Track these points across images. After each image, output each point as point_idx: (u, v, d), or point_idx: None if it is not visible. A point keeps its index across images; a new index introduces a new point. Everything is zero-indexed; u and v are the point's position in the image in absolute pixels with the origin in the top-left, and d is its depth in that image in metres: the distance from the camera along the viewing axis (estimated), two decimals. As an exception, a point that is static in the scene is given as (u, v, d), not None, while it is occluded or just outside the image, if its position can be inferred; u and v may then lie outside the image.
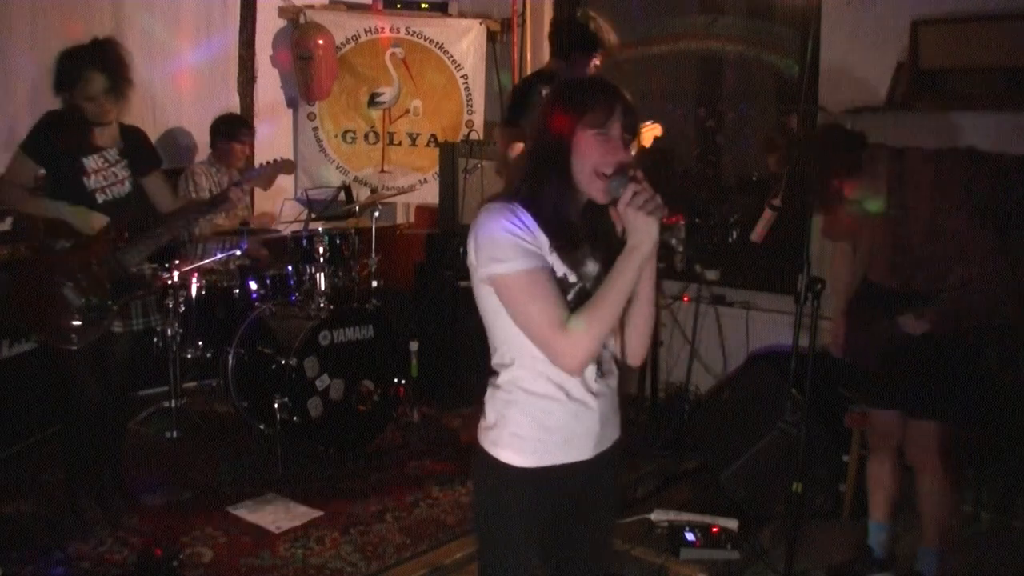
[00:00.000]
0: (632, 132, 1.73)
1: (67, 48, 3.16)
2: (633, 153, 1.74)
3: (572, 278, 1.75)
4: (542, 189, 1.72)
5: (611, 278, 1.68)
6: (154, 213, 3.39)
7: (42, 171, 3.22)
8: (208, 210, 3.47)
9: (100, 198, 3.22)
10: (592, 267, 1.78)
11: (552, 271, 1.71)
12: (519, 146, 3.57)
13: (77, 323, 3.17)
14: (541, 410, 1.78)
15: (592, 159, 1.70)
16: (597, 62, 3.69)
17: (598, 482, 1.89)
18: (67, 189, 3.17)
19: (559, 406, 1.78)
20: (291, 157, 5.69)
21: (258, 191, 5.27)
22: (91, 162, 3.21)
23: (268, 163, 3.54)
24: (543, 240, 1.71)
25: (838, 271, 3.10)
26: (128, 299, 3.30)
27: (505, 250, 1.67)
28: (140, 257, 3.29)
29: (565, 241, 1.72)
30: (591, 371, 1.79)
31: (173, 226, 3.34)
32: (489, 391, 1.87)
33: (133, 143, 3.34)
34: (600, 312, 1.67)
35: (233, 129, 4.82)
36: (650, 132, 3.88)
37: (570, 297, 1.74)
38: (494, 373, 1.85)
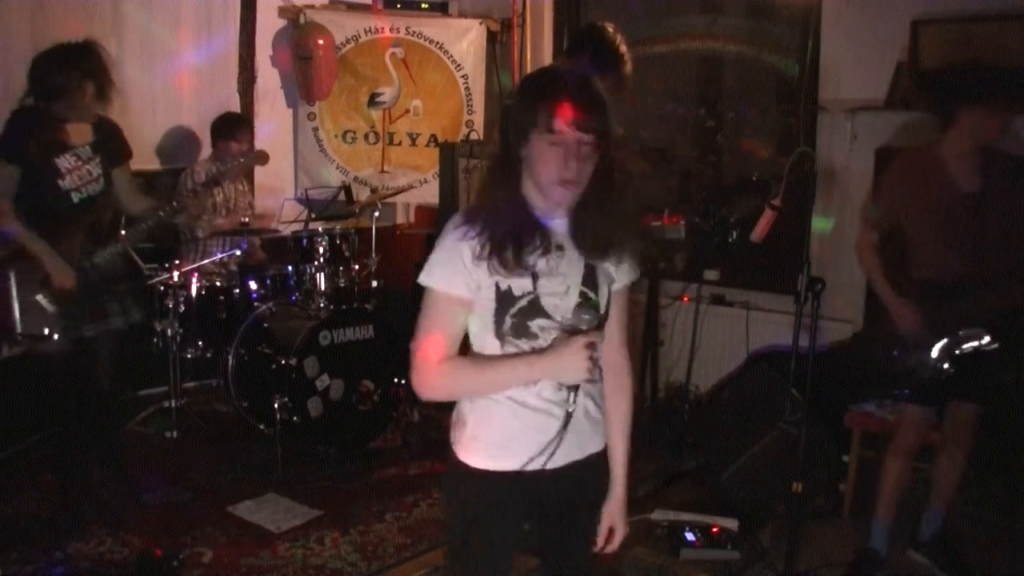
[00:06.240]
0: (592, 132, 1.60)
1: (47, 54, 3.09)
2: (592, 164, 1.63)
3: (517, 291, 1.69)
4: (492, 200, 1.70)
5: (503, 367, 1.68)
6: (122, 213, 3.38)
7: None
8: (170, 215, 3.44)
9: (76, 197, 3.22)
10: (544, 279, 1.71)
11: (468, 303, 1.70)
12: None
13: (47, 330, 3.15)
14: (497, 415, 1.76)
15: (542, 169, 1.64)
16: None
17: (581, 492, 1.85)
18: (42, 191, 3.16)
19: (514, 413, 1.75)
20: (291, 157, 5.71)
21: (259, 192, 5.29)
22: (64, 162, 3.18)
23: (239, 158, 3.52)
24: (482, 268, 1.66)
25: (870, 263, 3.10)
26: (102, 300, 3.28)
27: (436, 263, 1.71)
28: (112, 259, 3.29)
29: (510, 256, 1.66)
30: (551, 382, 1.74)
31: (139, 230, 3.34)
32: None
33: (106, 136, 3.31)
34: (472, 382, 1.72)
35: (230, 129, 4.80)
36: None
37: (519, 307, 1.69)
38: None
